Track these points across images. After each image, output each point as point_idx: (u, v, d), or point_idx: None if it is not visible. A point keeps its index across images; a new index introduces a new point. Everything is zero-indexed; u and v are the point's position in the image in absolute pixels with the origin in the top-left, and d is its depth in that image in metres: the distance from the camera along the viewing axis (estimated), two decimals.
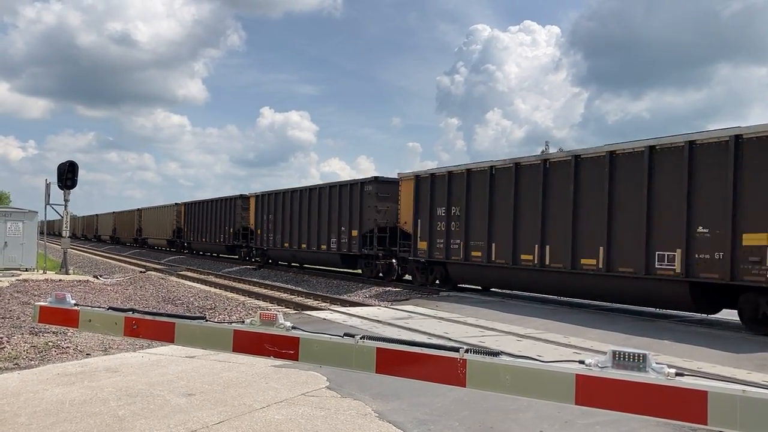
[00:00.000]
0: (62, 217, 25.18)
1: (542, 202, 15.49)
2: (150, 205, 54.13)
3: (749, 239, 11.09)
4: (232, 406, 5.72)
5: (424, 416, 5.60)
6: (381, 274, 22.85)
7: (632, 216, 13.21)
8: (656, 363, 2.40)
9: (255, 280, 24.87)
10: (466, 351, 2.73)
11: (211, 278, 25.90)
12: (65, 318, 3.90)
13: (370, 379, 6.32)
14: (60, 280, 21.00)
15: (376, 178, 23.27)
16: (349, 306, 15.71)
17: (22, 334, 9.81)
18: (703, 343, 10.07)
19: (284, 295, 19.87)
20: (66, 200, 24.23)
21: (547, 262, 15.35)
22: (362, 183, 23.66)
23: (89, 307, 3.93)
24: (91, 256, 45.39)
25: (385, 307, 15.20)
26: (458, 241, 18.28)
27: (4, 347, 8.67)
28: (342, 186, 25.02)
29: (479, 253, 17.48)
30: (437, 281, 19.86)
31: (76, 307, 3.87)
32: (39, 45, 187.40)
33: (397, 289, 20.13)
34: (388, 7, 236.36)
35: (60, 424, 5.13)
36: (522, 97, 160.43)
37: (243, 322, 3.36)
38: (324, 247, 25.78)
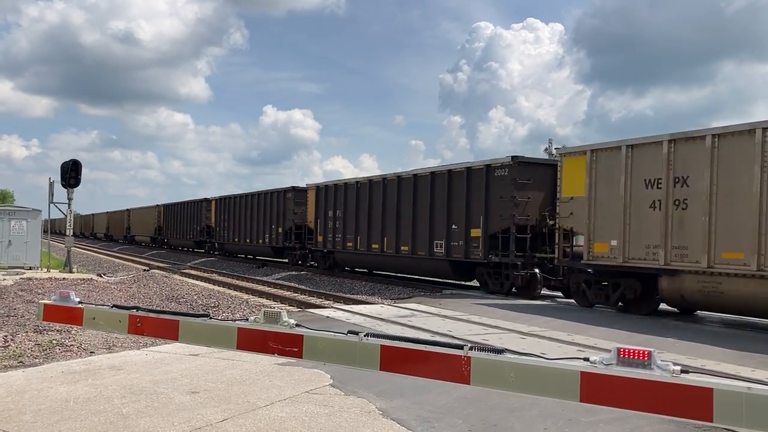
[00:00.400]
0: (66, 215, 25.23)
1: (382, 208, 22.03)
2: (137, 206, 57.59)
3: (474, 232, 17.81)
4: (236, 404, 5.73)
5: (428, 414, 5.60)
6: (299, 262, 29.00)
7: (424, 219, 19.90)
8: (661, 360, 2.39)
9: (257, 278, 24.91)
10: (470, 348, 2.73)
11: (215, 276, 25.93)
12: (69, 316, 3.90)
13: (373, 377, 6.32)
14: (64, 278, 21.04)
15: (293, 187, 29.53)
16: (353, 304, 15.71)
17: (27, 332, 9.83)
18: (707, 341, 10.05)
19: (287, 293, 19.90)
20: (69, 199, 24.25)
21: (386, 249, 21.80)
22: (285, 191, 30.02)
23: (93, 305, 3.94)
24: (94, 254, 45.45)
25: (388, 305, 15.19)
26: (339, 235, 24.62)
27: (9, 345, 8.69)
28: (270, 193, 31.40)
29: (351, 244, 23.84)
30: (332, 266, 25.80)
31: (80, 305, 3.87)
32: (42, 44, 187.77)
33: (303, 272, 26.74)
34: (390, 5, 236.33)
35: (64, 421, 5.14)
36: (525, 94, 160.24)
37: (247, 319, 3.37)
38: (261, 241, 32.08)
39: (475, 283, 19.22)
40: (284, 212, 29.97)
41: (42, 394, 6.00)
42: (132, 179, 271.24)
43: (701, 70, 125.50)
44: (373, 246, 22.63)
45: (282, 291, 20.69)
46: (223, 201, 37.59)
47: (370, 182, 23.23)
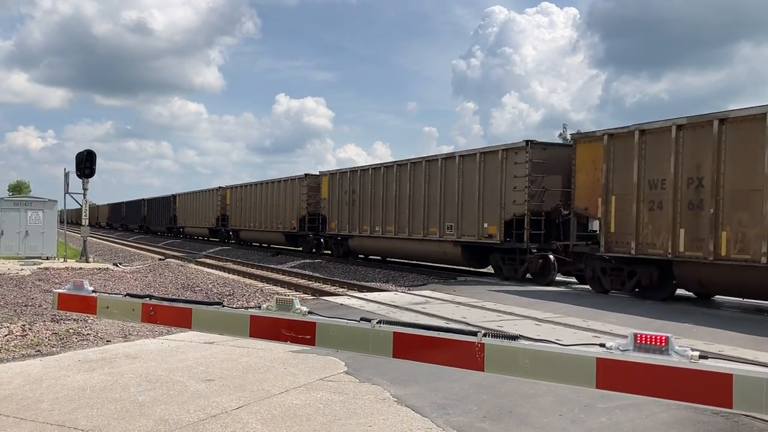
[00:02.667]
0: (81, 205, 25.42)
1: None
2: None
3: None
4: (251, 391, 5.74)
5: (443, 400, 5.59)
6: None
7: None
8: (679, 346, 2.35)
9: (272, 266, 25.00)
10: (484, 335, 2.70)
11: (230, 265, 26.06)
12: (83, 305, 3.92)
13: (388, 364, 6.32)
14: (80, 268, 21.23)
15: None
16: (366, 291, 15.72)
17: (44, 321, 9.93)
18: (724, 326, 9.95)
19: (302, 281, 19.97)
20: (84, 189, 24.43)
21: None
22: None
23: (107, 294, 3.95)
24: (110, 244, 45.85)
25: (402, 292, 15.19)
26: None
27: (27, 334, 8.78)
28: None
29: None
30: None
31: (93, 294, 3.88)
32: (56, 35, 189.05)
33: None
34: None
35: (81, 409, 5.18)
36: (539, 80, 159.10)
37: (259, 307, 3.36)
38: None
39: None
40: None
41: (59, 382, 6.05)
42: (147, 169, 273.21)
43: (718, 53, 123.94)
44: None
45: (297, 279, 20.77)
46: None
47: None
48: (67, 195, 25.15)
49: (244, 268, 24.37)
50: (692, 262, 12.13)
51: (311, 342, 3.13)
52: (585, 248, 14.78)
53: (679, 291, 13.39)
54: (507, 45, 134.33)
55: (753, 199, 11.14)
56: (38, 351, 7.72)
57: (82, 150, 24.52)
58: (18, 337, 8.56)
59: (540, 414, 5.27)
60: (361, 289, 16.90)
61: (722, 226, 11.57)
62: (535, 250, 16.41)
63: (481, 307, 11.87)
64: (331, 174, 26.81)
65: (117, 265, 23.94)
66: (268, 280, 20.26)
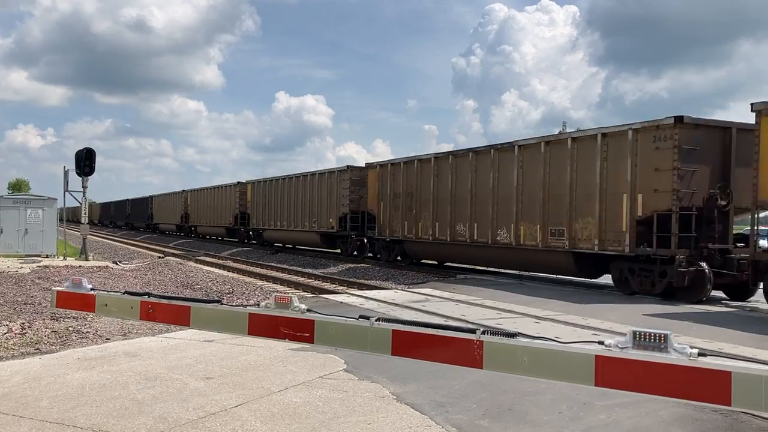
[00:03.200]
0: (80, 203, 25.42)
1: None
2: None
3: None
4: (250, 390, 5.74)
5: (442, 398, 5.59)
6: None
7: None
8: (678, 343, 2.35)
9: (272, 264, 24.99)
10: (483, 332, 2.69)
11: (229, 263, 26.05)
12: (82, 303, 3.91)
13: (387, 362, 6.31)
14: (80, 266, 21.22)
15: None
16: (366, 289, 15.73)
17: (43, 319, 9.92)
18: (724, 324, 9.96)
19: (301, 279, 19.95)
20: (84, 187, 24.43)
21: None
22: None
23: (105, 292, 3.94)
24: (110, 242, 45.86)
25: (402, 290, 15.20)
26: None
27: (26, 333, 8.78)
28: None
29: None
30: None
31: (92, 292, 3.88)
32: (55, 33, 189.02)
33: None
34: None
35: (80, 407, 5.18)
36: (539, 77, 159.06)
37: (258, 305, 3.35)
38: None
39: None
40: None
41: (58, 380, 6.05)
42: (147, 167, 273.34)
43: (718, 50, 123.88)
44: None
45: (296, 277, 20.74)
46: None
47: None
48: (66, 193, 25.17)
49: (243, 266, 24.37)
50: None
51: (310, 340, 3.12)
52: (371, 233, 13.50)
53: None
54: (507, 43, 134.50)
55: None
56: (37, 349, 7.72)
57: (81, 148, 24.55)
58: (17, 335, 8.55)
59: (539, 412, 5.27)
60: (361, 287, 16.90)
61: None
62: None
63: (481, 305, 11.87)
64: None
65: (116, 263, 23.94)
66: (268, 278, 20.24)
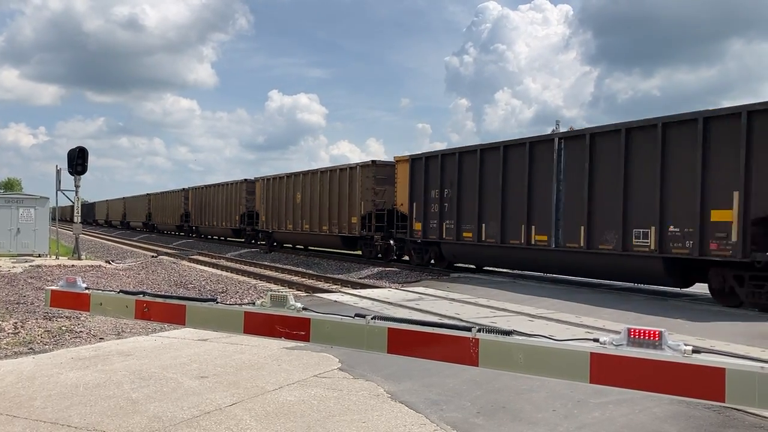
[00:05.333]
0: (73, 203, 25.31)
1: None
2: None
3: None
4: (244, 388, 5.74)
5: (437, 396, 5.60)
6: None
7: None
8: (672, 341, 2.36)
9: (265, 263, 24.94)
10: (479, 330, 2.70)
11: (222, 262, 26.00)
12: (76, 302, 3.90)
13: (382, 360, 6.32)
14: (73, 265, 21.13)
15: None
16: (360, 288, 15.72)
17: (36, 318, 9.88)
18: (717, 322, 10.01)
19: (295, 278, 19.92)
20: (77, 186, 24.34)
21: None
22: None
23: (100, 291, 3.93)
24: (102, 241, 45.65)
25: (396, 288, 15.20)
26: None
27: (19, 332, 8.74)
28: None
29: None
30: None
31: (86, 291, 3.87)
32: (46, 31, 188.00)
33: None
34: None
35: (74, 407, 5.16)
36: (532, 76, 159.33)
37: (253, 303, 3.35)
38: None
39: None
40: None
41: (52, 380, 6.03)
42: (139, 166, 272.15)
43: (710, 49, 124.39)
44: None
45: (290, 276, 20.71)
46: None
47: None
48: (59, 192, 25.05)
49: (237, 265, 24.31)
50: None
51: (306, 338, 3.13)
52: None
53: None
54: (500, 41, 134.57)
55: None
56: (31, 348, 7.69)
57: (74, 147, 24.45)
58: (10, 335, 8.52)
59: (533, 409, 5.29)
60: (355, 285, 16.89)
61: None
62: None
63: (475, 303, 11.89)
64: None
65: (110, 263, 23.85)
66: (261, 277, 20.21)
